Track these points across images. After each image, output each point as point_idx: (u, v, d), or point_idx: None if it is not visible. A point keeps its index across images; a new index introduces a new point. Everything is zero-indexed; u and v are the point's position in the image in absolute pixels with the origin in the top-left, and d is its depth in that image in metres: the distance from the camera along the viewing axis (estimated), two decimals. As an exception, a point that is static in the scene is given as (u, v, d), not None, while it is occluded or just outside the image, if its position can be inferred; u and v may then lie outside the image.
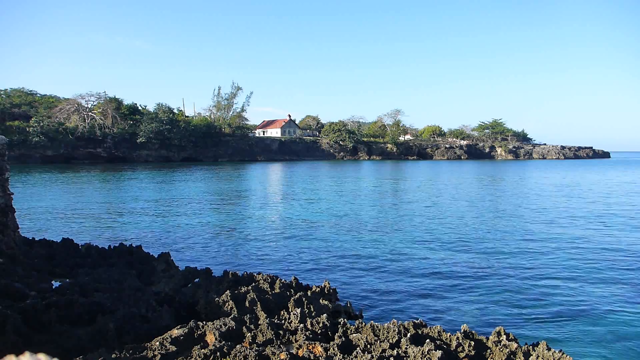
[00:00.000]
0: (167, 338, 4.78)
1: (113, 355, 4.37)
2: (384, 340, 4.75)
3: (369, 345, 4.68)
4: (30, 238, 10.35)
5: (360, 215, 21.24)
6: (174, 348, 4.55)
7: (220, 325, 5.03)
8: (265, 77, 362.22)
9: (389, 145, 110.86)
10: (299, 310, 5.57)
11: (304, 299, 6.54)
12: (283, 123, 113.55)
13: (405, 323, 5.20)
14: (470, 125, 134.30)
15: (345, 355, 4.36)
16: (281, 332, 5.02)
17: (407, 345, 4.51)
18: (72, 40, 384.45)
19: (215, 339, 4.78)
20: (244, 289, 6.81)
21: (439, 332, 5.03)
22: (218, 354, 4.31)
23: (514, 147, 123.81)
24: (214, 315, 6.01)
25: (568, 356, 4.35)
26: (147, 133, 77.92)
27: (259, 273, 8.20)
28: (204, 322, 5.20)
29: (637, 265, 12.40)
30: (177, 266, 9.57)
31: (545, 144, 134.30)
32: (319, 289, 7.32)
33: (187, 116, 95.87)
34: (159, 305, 6.22)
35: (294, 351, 4.52)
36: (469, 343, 4.65)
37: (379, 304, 9.24)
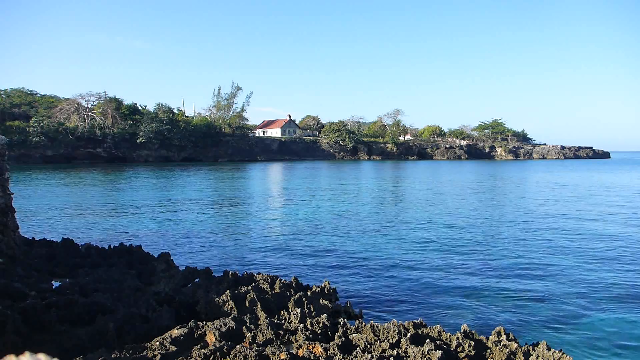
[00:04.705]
0: (167, 338, 4.78)
1: (113, 355, 4.37)
2: (384, 340, 4.74)
3: (369, 345, 4.68)
4: (30, 238, 10.34)
5: (361, 216, 21.23)
6: (174, 348, 4.55)
7: (220, 325, 5.03)
8: (265, 77, 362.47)
9: (389, 145, 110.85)
10: (299, 310, 5.57)
11: (304, 299, 6.54)
12: (283, 123, 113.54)
13: (405, 323, 5.20)
14: (470, 125, 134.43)
15: (345, 355, 4.36)
16: (281, 332, 5.02)
17: (407, 345, 4.51)
18: (72, 40, 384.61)
19: (215, 339, 4.78)
20: (244, 289, 6.81)
21: (439, 332, 5.03)
22: (218, 354, 4.30)
23: (514, 147, 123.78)
24: (214, 315, 6.01)
25: (568, 356, 4.35)
26: (147, 133, 77.93)
27: (259, 273, 8.19)
28: (204, 322, 5.19)
29: (639, 266, 12.40)
30: (177, 266, 9.56)
31: (545, 144, 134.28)
32: (319, 289, 7.31)
33: (187, 116, 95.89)
34: (159, 305, 6.22)
35: (294, 351, 4.52)
36: (469, 343, 4.65)
37: (379, 304, 9.24)
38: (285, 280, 7.75)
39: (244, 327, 5.10)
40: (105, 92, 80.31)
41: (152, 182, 39.64)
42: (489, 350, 4.66)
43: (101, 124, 74.50)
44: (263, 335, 4.94)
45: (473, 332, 4.98)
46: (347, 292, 9.81)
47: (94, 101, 78.46)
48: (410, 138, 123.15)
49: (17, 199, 11.53)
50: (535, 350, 4.55)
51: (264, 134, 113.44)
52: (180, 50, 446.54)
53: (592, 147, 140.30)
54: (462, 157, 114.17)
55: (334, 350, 4.46)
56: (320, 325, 5.12)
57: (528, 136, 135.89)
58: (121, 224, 18.36)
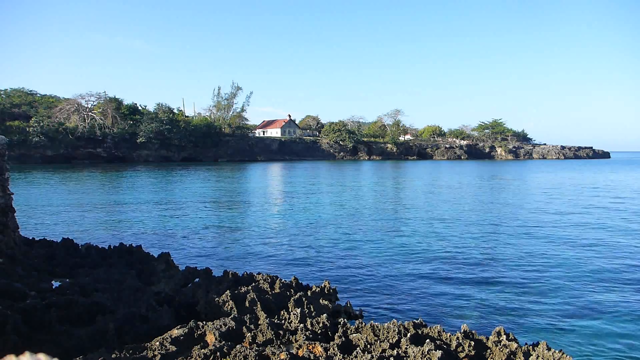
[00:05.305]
0: (167, 338, 4.78)
1: (113, 355, 4.37)
2: (384, 340, 4.74)
3: (369, 345, 4.68)
4: (30, 238, 10.34)
5: (361, 216, 21.23)
6: (174, 348, 4.55)
7: (220, 325, 5.03)
8: (265, 77, 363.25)
9: (389, 145, 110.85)
10: (299, 310, 5.57)
11: (304, 299, 6.53)
12: (283, 123, 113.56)
13: (405, 323, 5.20)
14: (470, 125, 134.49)
15: (345, 355, 4.35)
16: (281, 332, 5.02)
17: (407, 345, 4.51)
18: (72, 40, 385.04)
19: (215, 339, 4.78)
20: (244, 289, 6.81)
21: (439, 332, 5.02)
22: (218, 354, 4.30)
23: (514, 147, 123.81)
24: (214, 315, 6.01)
25: (568, 356, 4.35)
26: (147, 133, 77.95)
27: (259, 273, 8.19)
28: (204, 322, 5.19)
29: (638, 264, 12.40)
30: (177, 266, 9.56)
31: (545, 144, 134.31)
32: (319, 289, 7.31)
33: (187, 116, 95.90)
34: (159, 305, 6.21)
35: (294, 351, 4.52)
36: (469, 343, 4.65)
37: (379, 304, 9.24)
38: (285, 280, 7.75)
39: (244, 327, 5.10)
40: (105, 92, 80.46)
41: (152, 182, 39.63)
42: (489, 350, 4.66)
43: (101, 124, 74.50)
44: (263, 335, 4.94)
45: (473, 332, 4.98)
46: (347, 292, 9.81)
47: (94, 101, 78.53)
48: (410, 138, 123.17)
49: (17, 199, 11.54)
50: (535, 350, 4.55)
51: (264, 134, 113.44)
52: (180, 51, 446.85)
53: (592, 147, 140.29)
54: (462, 157, 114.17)
55: (334, 350, 4.46)
56: (320, 325, 5.12)
57: (528, 136, 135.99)
58: (121, 223, 18.36)
